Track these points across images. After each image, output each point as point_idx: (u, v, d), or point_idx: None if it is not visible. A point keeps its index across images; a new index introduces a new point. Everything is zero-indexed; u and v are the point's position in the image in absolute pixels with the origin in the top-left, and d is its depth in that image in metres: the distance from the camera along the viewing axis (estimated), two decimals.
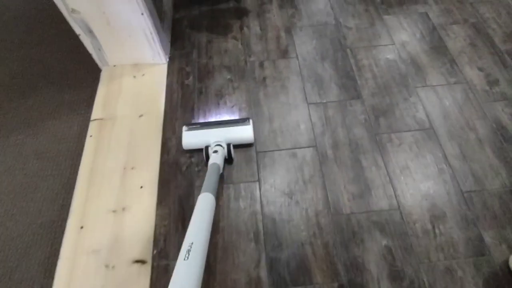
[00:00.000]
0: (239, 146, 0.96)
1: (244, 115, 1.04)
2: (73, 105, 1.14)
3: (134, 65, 1.16)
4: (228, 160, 0.94)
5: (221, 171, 0.88)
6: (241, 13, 1.32)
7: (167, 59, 1.17)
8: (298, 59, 1.16)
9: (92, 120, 1.05)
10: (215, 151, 0.89)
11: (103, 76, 1.16)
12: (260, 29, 1.26)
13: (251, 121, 0.97)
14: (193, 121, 1.03)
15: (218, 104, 1.07)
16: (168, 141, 0.99)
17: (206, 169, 0.87)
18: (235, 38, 1.24)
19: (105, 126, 1.03)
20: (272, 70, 1.14)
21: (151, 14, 1.00)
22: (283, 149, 0.96)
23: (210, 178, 0.82)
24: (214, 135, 0.94)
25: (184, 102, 1.08)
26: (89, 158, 0.97)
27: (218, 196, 0.87)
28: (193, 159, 0.95)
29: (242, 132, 0.95)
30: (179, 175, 0.93)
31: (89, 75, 1.20)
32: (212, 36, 1.25)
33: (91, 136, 1.01)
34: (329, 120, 1.01)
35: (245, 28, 1.26)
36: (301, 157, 0.94)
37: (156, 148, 0.98)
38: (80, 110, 1.13)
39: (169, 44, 1.21)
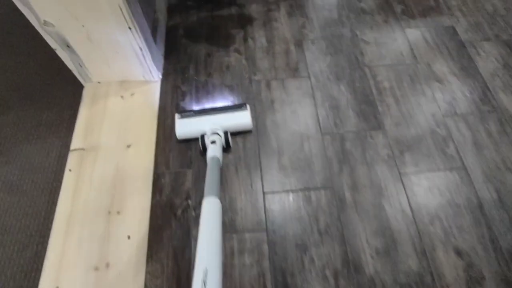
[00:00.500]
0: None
1: (249, 146, 0.90)
2: (51, 127, 0.99)
3: (121, 82, 1.01)
4: (226, 148, 0.89)
5: (220, 165, 0.82)
6: (245, 21, 1.16)
7: (160, 76, 1.02)
8: (310, 78, 1.02)
9: (72, 150, 0.90)
10: (213, 141, 0.83)
11: (86, 94, 1.00)
12: (267, 41, 1.11)
13: (248, 106, 0.92)
14: (186, 109, 0.97)
15: None
16: (160, 178, 0.85)
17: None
18: (238, 51, 1.08)
19: (86, 158, 0.88)
20: (281, 92, 0.99)
21: (141, 28, 0.84)
22: (294, 190, 0.83)
23: (213, 177, 0.74)
24: (210, 123, 0.88)
25: None
26: (67, 199, 0.82)
27: None
28: (190, 201, 0.82)
29: (239, 119, 0.90)
30: (173, 221, 0.80)
31: (70, 91, 1.04)
32: (212, 48, 1.09)
33: (70, 170, 0.86)
34: (347, 155, 0.88)
35: (249, 40, 1.11)
36: (315, 201, 0.81)
37: (147, 187, 0.84)
38: (60, 133, 0.98)
39: (162, 58, 1.05)
